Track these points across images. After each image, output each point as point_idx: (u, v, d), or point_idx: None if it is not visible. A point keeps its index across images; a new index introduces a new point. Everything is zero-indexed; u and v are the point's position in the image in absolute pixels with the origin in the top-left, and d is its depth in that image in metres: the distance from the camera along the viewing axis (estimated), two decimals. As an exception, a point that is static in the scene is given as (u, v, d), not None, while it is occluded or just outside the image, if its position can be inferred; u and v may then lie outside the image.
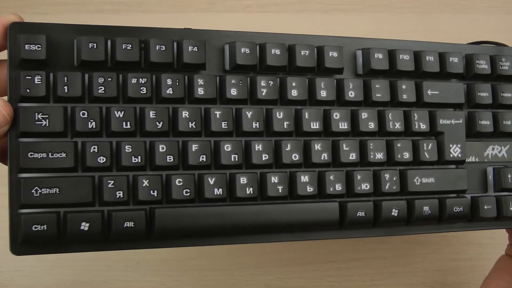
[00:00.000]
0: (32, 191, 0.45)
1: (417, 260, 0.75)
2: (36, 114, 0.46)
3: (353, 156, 0.54)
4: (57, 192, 0.46)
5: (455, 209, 0.56)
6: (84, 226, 0.46)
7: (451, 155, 0.57)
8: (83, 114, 0.47)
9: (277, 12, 0.80)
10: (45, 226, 0.45)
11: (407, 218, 0.54)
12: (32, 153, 0.45)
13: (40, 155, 0.46)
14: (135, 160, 0.48)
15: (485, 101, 0.59)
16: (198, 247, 0.64)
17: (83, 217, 0.46)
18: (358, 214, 0.53)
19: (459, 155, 0.57)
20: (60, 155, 0.46)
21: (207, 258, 0.71)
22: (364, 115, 0.54)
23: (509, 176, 0.59)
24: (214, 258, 0.72)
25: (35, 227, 0.45)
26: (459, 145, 0.57)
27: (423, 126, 0.56)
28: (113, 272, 0.69)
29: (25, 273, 0.68)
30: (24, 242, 0.45)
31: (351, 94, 0.54)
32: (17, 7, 0.75)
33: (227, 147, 0.50)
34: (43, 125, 0.46)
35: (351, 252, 0.74)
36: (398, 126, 0.55)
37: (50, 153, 0.46)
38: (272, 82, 0.52)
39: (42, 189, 0.46)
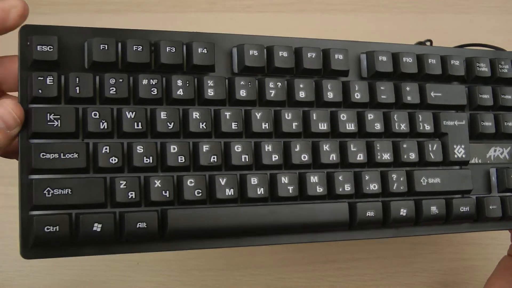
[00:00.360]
0: (44, 192, 0.45)
1: (417, 260, 0.75)
2: (48, 114, 0.45)
3: (360, 157, 0.54)
4: (69, 193, 0.45)
5: (462, 209, 0.56)
6: (97, 227, 0.45)
7: (456, 156, 0.57)
8: (95, 115, 0.47)
9: (277, 12, 0.80)
10: (57, 227, 0.44)
11: (415, 218, 0.55)
12: (44, 154, 0.45)
13: (52, 155, 0.45)
14: (146, 160, 0.48)
15: (487, 103, 0.60)
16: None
17: (95, 218, 0.46)
18: (367, 214, 0.53)
19: (463, 156, 0.58)
20: (72, 156, 0.46)
21: (207, 258, 0.71)
22: (370, 116, 0.55)
23: (512, 176, 0.59)
24: (214, 258, 0.71)
25: (47, 228, 0.44)
26: (462, 146, 0.58)
27: (428, 127, 0.57)
28: (113, 272, 0.69)
29: (25, 273, 0.68)
30: (35, 245, 0.45)
31: (357, 96, 0.55)
32: (16, 6, 0.75)
33: (238, 148, 0.50)
34: (55, 125, 0.46)
35: (351, 252, 0.74)
36: (403, 127, 0.56)
37: (62, 154, 0.46)
38: (280, 84, 0.52)
39: (54, 190, 0.45)
